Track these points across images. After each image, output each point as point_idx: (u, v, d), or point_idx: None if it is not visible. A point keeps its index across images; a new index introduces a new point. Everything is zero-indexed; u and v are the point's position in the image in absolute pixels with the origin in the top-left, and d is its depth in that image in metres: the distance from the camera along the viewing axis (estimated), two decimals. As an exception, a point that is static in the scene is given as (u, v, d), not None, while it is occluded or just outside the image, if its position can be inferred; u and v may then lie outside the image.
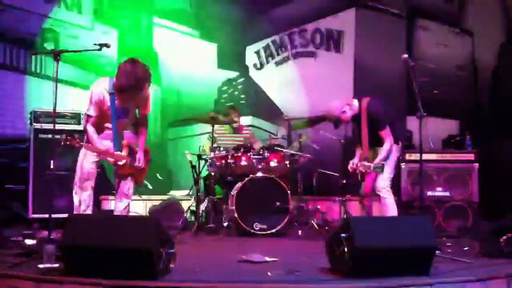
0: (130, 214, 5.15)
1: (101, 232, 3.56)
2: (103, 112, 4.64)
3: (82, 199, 4.62)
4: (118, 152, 4.67)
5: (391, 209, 5.15)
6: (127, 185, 4.85)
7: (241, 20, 8.26)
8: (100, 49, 4.47)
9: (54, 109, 4.30)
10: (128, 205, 4.90)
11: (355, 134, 5.56)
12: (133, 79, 4.46)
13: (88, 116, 4.64)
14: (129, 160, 4.74)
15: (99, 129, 4.69)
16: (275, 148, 6.48)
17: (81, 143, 4.51)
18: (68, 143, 4.36)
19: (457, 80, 8.29)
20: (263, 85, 8.39)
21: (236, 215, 5.92)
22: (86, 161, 4.64)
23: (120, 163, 4.68)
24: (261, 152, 6.30)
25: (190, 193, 6.89)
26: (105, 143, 4.67)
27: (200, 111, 7.28)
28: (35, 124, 6.02)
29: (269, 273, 3.81)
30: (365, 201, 5.43)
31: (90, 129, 4.63)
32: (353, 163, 5.30)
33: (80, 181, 4.63)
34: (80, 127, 4.77)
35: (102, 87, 4.62)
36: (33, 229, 5.38)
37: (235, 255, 4.51)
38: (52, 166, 4.50)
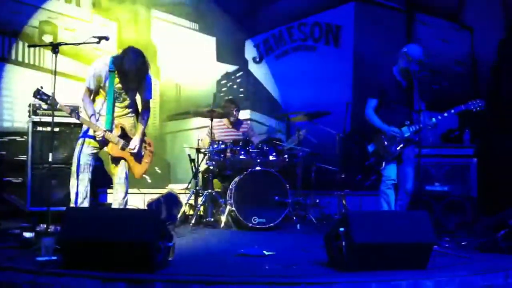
0: (128, 207, 5.14)
1: (99, 225, 3.56)
2: (100, 88, 4.67)
3: (78, 192, 4.62)
4: (109, 133, 4.67)
5: None
6: (122, 171, 4.84)
7: (241, 13, 8.23)
8: (98, 42, 4.47)
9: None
10: (126, 197, 4.89)
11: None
12: (136, 67, 4.47)
13: (87, 88, 4.67)
14: (121, 143, 4.72)
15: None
16: (274, 142, 6.47)
17: (55, 100, 4.42)
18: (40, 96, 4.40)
19: (456, 75, 8.29)
20: (262, 79, 8.37)
21: (234, 208, 5.92)
22: (83, 154, 4.64)
23: (98, 133, 4.61)
24: (259, 146, 6.29)
25: (189, 186, 6.88)
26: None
27: (199, 104, 7.25)
28: (33, 117, 5.99)
29: (266, 267, 3.81)
30: None
31: (87, 100, 4.68)
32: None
33: (77, 173, 4.62)
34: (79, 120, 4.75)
35: (103, 63, 4.63)
36: (31, 222, 5.37)
37: (233, 248, 4.52)
38: (50, 159, 4.48)
